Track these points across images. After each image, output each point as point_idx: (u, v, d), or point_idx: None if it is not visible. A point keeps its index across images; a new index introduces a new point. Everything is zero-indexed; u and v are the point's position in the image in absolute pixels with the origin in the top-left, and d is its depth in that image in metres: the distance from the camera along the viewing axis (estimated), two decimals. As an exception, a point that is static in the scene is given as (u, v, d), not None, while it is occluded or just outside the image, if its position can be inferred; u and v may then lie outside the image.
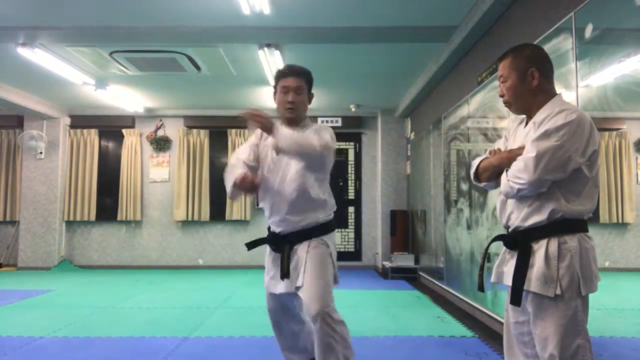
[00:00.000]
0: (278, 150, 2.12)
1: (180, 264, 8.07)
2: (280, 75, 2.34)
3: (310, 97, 2.37)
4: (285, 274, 2.21)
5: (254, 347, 3.46)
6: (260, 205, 2.44)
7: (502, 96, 1.82)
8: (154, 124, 8.26)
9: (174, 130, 8.23)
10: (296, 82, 2.29)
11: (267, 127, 2.10)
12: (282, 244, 2.27)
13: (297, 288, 2.21)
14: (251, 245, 2.40)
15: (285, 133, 2.11)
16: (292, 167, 2.22)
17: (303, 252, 2.23)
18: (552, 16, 3.00)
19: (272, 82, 6.48)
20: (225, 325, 4.05)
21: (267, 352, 3.33)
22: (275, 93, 2.38)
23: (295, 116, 2.31)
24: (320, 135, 2.20)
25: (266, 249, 2.42)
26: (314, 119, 8.05)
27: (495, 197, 2.79)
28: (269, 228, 2.40)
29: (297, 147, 2.10)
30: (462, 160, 4.89)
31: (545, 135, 1.60)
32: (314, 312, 2.10)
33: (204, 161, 8.13)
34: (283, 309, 2.41)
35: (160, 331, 3.85)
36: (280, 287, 2.28)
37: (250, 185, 2.14)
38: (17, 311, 4.71)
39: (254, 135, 2.44)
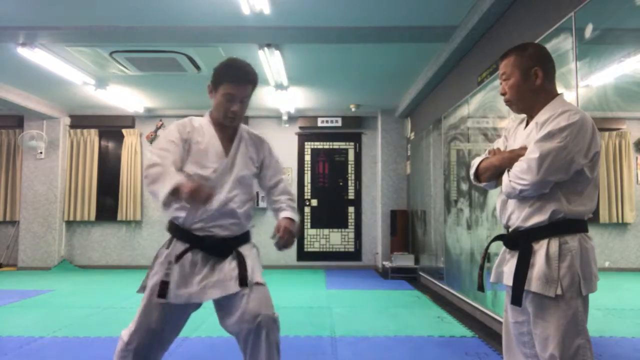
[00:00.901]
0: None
1: (180, 264, 8.05)
2: (232, 77, 2.05)
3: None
4: (244, 279, 1.99)
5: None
6: (180, 210, 2.03)
7: (503, 94, 1.81)
8: (154, 124, 8.27)
9: (174, 130, 8.22)
10: (243, 91, 2.06)
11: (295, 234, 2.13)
12: (225, 248, 2.03)
13: (256, 284, 2.03)
14: (179, 258, 1.99)
15: (295, 223, 2.14)
16: (247, 171, 2.10)
17: (250, 254, 2.11)
18: (552, 16, 3.00)
19: (272, 82, 6.51)
20: (225, 325, 4.04)
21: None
22: (213, 90, 2.11)
23: (235, 125, 2.12)
24: (279, 170, 2.23)
25: (166, 257, 2.03)
26: (314, 118, 8.07)
27: (495, 197, 2.80)
28: (188, 231, 2.02)
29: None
30: (462, 160, 4.90)
31: (549, 136, 1.60)
32: (270, 312, 1.99)
33: (204, 161, 8.12)
34: (175, 327, 2.13)
35: (160, 331, 3.84)
36: (218, 291, 1.98)
37: (205, 198, 1.77)
38: (17, 311, 4.71)
39: (177, 128, 2.08)
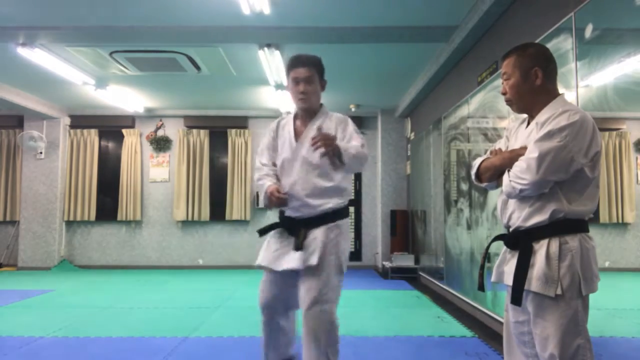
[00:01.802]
0: (337, 168, 2.19)
1: (180, 264, 8.07)
2: (290, 65, 2.33)
3: (322, 84, 2.37)
4: (299, 246, 2.22)
5: (254, 347, 3.45)
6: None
7: (504, 94, 1.82)
8: (154, 124, 8.27)
9: (174, 130, 8.23)
10: (306, 71, 2.28)
11: (337, 153, 2.15)
12: (298, 227, 2.28)
13: (309, 267, 2.20)
14: (263, 231, 2.40)
15: (347, 155, 2.17)
16: (316, 154, 2.21)
17: (319, 236, 2.25)
18: (552, 16, 3.00)
19: (272, 82, 6.52)
20: (225, 325, 4.05)
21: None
22: (288, 83, 2.39)
23: (308, 106, 2.34)
24: (355, 139, 2.30)
25: (269, 235, 2.41)
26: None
27: (495, 197, 2.80)
28: (282, 212, 2.39)
29: (356, 164, 2.24)
30: (462, 160, 4.89)
31: (548, 135, 1.60)
32: (313, 297, 2.17)
33: (204, 161, 8.13)
34: (281, 295, 2.34)
35: (160, 331, 3.85)
36: (286, 263, 2.23)
37: (278, 202, 2.26)
38: (17, 311, 4.71)
39: (269, 131, 2.47)
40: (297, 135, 2.34)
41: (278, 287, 2.34)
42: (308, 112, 2.36)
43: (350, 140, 2.29)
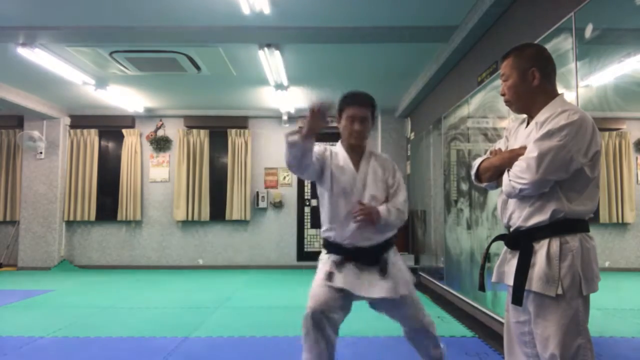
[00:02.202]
0: (376, 229, 2.28)
1: (180, 264, 8.07)
2: (347, 102, 2.36)
3: (373, 122, 2.43)
4: (385, 273, 2.30)
5: (254, 347, 3.46)
6: (326, 224, 2.40)
7: (503, 95, 1.83)
8: (154, 124, 8.27)
9: (174, 130, 8.23)
10: (362, 112, 2.33)
11: (376, 223, 2.24)
12: (372, 256, 2.33)
13: (402, 296, 2.33)
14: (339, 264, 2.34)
15: (386, 221, 2.26)
16: (379, 192, 2.35)
17: (395, 261, 2.38)
18: (552, 16, 3.00)
19: (272, 82, 6.52)
20: (225, 325, 4.05)
21: (267, 352, 3.33)
22: (339, 118, 2.40)
23: (361, 144, 2.40)
24: (400, 194, 2.36)
25: (330, 260, 2.36)
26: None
27: (495, 197, 2.79)
28: (337, 245, 2.35)
29: (392, 226, 2.33)
30: (462, 160, 4.89)
31: (548, 135, 1.60)
32: (426, 320, 2.45)
33: (204, 161, 8.13)
34: (338, 310, 2.33)
35: (160, 331, 3.85)
36: (377, 292, 2.29)
37: (322, 111, 2.08)
38: (17, 311, 4.71)
39: (318, 152, 2.38)
40: (354, 164, 2.38)
41: (343, 302, 2.34)
42: (358, 148, 2.42)
43: (396, 194, 2.36)
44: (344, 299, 2.30)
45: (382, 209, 2.27)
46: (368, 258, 2.31)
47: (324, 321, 2.22)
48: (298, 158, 2.15)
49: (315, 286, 2.32)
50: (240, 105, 7.79)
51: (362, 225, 2.23)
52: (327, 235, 2.40)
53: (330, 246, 2.38)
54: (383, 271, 2.30)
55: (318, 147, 2.36)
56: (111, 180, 8.20)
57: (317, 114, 2.06)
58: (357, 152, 2.41)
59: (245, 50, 5.13)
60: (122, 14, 4.27)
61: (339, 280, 2.27)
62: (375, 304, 2.39)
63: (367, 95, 2.40)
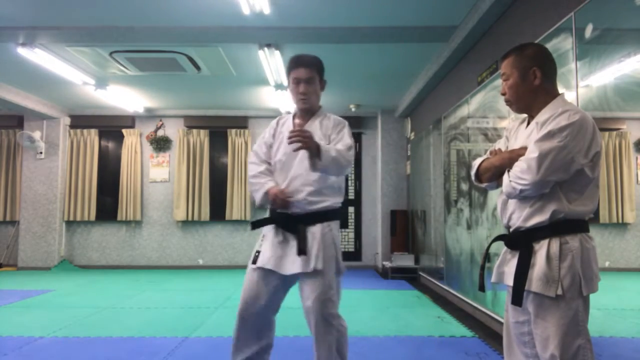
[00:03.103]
0: (315, 167, 2.15)
1: (180, 264, 8.07)
2: (291, 66, 2.35)
3: (322, 84, 2.39)
4: (302, 250, 2.18)
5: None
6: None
7: (503, 94, 1.82)
8: (154, 124, 8.27)
9: (174, 130, 8.23)
10: (307, 72, 2.29)
11: (313, 150, 2.12)
12: (295, 225, 2.24)
13: (315, 270, 2.18)
14: (256, 224, 2.37)
15: (326, 155, 2.13)
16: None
17: (317, 235, 2.23)
18: (552, 16, 3.00)
19: (272, 82, 6.51)
20: (225, 325, 4.05)
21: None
22: (288, 83, 2.39)
23: (308, 106, 2.35)
24: (344, 141, 2.28)
25: (264, 231, 2.36)
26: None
27: (495, 197, 2.79)
28: (273, 210, 2.34)
29: (334, 166, 2.17)
30: (462, 160, 4.89)
31: (548, 136, 1.60)
32: (317, 298, 2.18)
33: (204, 161, 8.13)
34: (265, 297, 2.29)
35: (160, 331, 3.85)
36: (294, 267, 2.20)
37: (283, 204, 2.23)
38: (17, 311, 4.71)
39: (268, 129, 2.47)
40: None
41: (271, 286, 2.29)
42: (307, 112, 2.38)
43: (338, 143, 2.27)
44: (268, 283, 2.26)
45: (322, 143, 2.16)
46: (291, 226, 2.25)
47: (250, 316, 2.27)
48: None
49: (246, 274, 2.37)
50: (240, 105, 7.79)
51: (299, 148, 2.09)
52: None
53: (274, 214, 2.35)
54: (300, 244, 2.19)
55: (268, 129, 2.46)
56: (111, 180, 8.21)
57: (280, 204, 2.23)
58: (307, 116, 2.38)
59: (245, 50, 5.13)
60: (122, 14, 4.27)
61: (265, 259, 2.26)
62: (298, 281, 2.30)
63: (312, 56, 2.37)
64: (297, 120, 2.40)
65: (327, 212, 2.29)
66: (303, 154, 2.20)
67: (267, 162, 2.39)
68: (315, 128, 2.32)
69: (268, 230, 2.34)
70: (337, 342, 2.23)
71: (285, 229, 2.27)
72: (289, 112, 2.52)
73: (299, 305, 2.26)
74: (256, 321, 2.29)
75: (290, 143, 2.09)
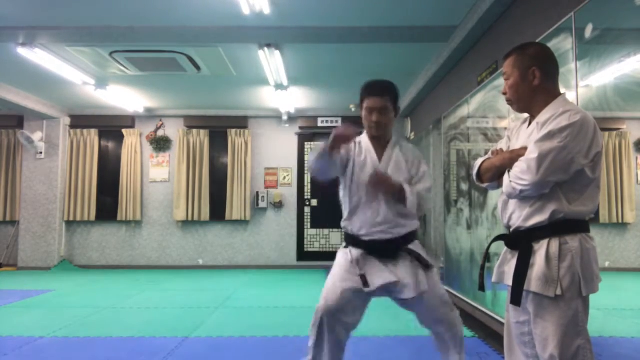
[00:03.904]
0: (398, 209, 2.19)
1: (180, 264, 8.07)
2: (365, 93, 2.31)
3: (396, 112, 2.37)
4: (428, 266, 2.27)
5: (254, 347, 3.46)
6: (345, 216, 2.34)
7: (504, 94, 1.83)
8: (154, 124, 8.27)
9: (174, 130, 8.23)
10: (380, 102, 2.26)
11: (395, 195, 2.15)
12: (397, 250, 2.26)
13: (422, 292, 2.25)
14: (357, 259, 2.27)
15: (410, 203, 2.16)
16: (400, 177, 2.25)
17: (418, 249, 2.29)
18: (552, 16, 3.00)
19: (272, 82, 6.51)
20: (225, 325, 4.05)
21: (267, 352, 3.33)
22: (361, 108, 2.35)
23: (381, 135, 2.32)
24: (424, 182, 2.28)
25: (344, 258, 2.33)
26: (314, 118, 8.07)
27: (495, 197, 2.79)
28: (355, 238, 2.29)
29: (417, 209, 2.21)
30: (462, 160, 4.89)
31: (549, 136, 1.60)
32: (450, 314, 2.32)
33: (204, 161, 8.13)
34: (358, 310, 2.32)
35: (160, 331, 3.85)
36: (406, 292, 2.23)
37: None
38: (17, 311, 4.71)
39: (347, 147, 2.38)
40: (377, 155, 2.31)
41: (361, 302, 2.30)
42: (381, 139, 2.35)
43: (420, 181, 2.28)
44: (360, 298, 2.24)
45: (405, 185, 2.17)
46: (386, 251, 2.23)
47: (334, 322, 2.20)
48: (324, 169, 2.19)
49: (332, 282, 2.25)
50: (240, 105, 7.78)
51: (373, 191, 2.12)
52: (345, 226, 2.35)
53: (349, 238, 2.33)
54: (423, 263, 2.24)
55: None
56: (111, 180, 8.20)
57: (341, 139, 2.07)
58: (380, 142, 2.33)
59: (245, 50, 5.13)
60: (122, 14, 4.26)
61: (362, 269, 2.22)
62: (404, 301, 2.33)
63: (387, 83, 2.33)
64: (371, 145, 2.33)
65: (413, 233, 2.34)
66: (391, 175, 2.22)
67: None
68: (398, 158, 2.30)
69: (359, 253, 2.26)
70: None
71: (382, 256, 2.25)
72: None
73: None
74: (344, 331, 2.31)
75: (371, 188, 2.13)
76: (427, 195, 2.25)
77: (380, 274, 2.21)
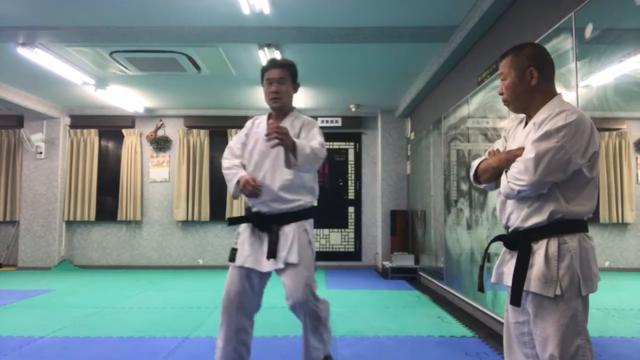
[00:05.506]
0: (291, 166, 2.20)
1: (180, 264, 8.07)
2: (265, 67, 2.46)
3: (295, 87, 2.47)
4: (272, 253, 2.28)
5: (254, 347, 3.45)
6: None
7: (501, 94, 1.83)
8: (154, 124, 8.27)
9: (174, 130, 8.23)
10: (279, 73, 2.40)
11: (289, 145, 2.16)
12: (269, 224, 2.33)
13: (287, 264, 2.30)
14: (233, 221, 2.49)
15: (301, 151, 2.18)
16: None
17: (291, 233, 2.32)
18: (552, 16, 3.00)
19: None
20: (225, 325, 4.04)
21: (266, 352, 3.33)
22: (262, 84, 2.49)
23: (280, 105, 2.43)
24: (316, 139, 2.34)
25: (240, 229, 2.46)
26: (314, 118, 8.07)
27: (495, 197, 2.79)
28: (249, 208, 2.43)
29: (308, 162, 2.23)
30: (462, 160, 4.90)
31: (546, 136, 1.60)
32: (301, 297, 2.29)
33: (204, 161, 8.13)
34: (247, 293, 2.40)
35: (160, 331, 3.85)
36: (267, 265, 2.32)
37: (252, 191, 2.29)
38: (17, 311, 4.71)
39: (244, 128, 2.56)
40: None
41: (247, 282, 2.40)
42: (281, 112, 2.46)
43: (311, 140, 2.34)
44: (248, 278, 2.37)
45: (297, 140, 2.22)
46: (265, 225, 2.34)
47: (233, 306, 2.36)
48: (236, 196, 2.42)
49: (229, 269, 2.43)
50: (240, 105, 7.79)
51: (277, 144, 2.14)
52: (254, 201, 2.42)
53: (251, 213, 2.43)
54: (271, 246, 2.29)
55: (244, 128, 2.54)
56: (111, 180, 8.21)
57: (249, 191, 2.30)
58: (280, 116, 2.45)
59: (245, 50, 5.13)
60: (122, 14, 4.27)
61: (242, 258, 2.36)
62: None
63: (285, 59, 2.51)
64: (271, 120, 2.46)
65: (301, 211, 2.37)
66: (277, 153, 2.28)
67: (241, 159, 2.47)
68: (294, 124, 2.40)
69: (244, 229, 2.43)
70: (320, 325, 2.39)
71: (260, 228, 2.36)
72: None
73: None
74: (238, 312, 2.39)
75: (268, 140, 2.14)
76: (319, 149, 2.29)
77: (253, 252, 2.38)
